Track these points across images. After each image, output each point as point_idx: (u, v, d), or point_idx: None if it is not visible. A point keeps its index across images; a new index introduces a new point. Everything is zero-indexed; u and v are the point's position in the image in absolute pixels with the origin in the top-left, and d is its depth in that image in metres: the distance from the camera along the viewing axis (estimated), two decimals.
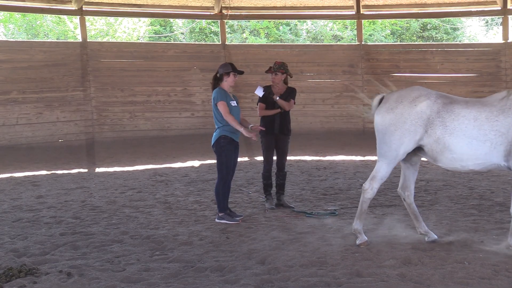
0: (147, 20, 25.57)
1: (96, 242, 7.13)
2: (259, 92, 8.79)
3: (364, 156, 13.89)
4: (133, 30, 25.59)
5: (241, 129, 7.95)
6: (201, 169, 12.46)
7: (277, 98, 8.81)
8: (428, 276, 5.85)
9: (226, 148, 8.05)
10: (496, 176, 11.35)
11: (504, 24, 15.08)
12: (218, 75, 8.20)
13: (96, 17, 23.95)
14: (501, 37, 15.17)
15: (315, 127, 16.45)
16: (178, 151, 14.57)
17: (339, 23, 27.22)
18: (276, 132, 8.89)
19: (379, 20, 25.30)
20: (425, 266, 6.17)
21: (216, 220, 8.13)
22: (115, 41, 23.62)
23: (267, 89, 8.85)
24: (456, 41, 27.15)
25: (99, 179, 11.50)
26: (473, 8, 15.52)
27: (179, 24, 27.36)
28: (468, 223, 7.89)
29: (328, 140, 15.67)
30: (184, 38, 27.06)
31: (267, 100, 8.86)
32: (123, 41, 23.81)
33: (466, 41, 27.70)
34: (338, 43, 25.85)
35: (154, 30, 26.81)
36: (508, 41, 14.92)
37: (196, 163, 13.22)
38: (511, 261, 6.29)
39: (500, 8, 14.72)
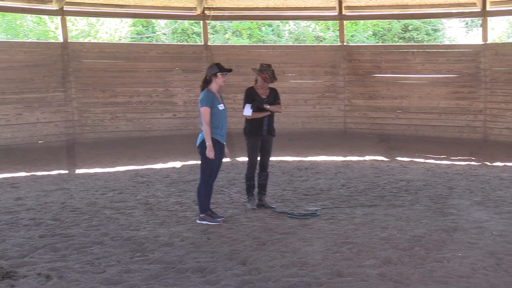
0: (129, 20, 25.46)
1: (76, 244, 7.08)
2: (248, 112, 8.77)
3: (345, 156, 13.94)
4: (115, 31, 25.45)
5: (208, 144, 7.88)
6: (182, 170, 12.43)
7: (268, 106, 8.82)
8: (407, 275, 5.90)
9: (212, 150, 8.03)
10: (474, 175, 11.46)
11: (484, 26, 15.21)
12: (207, 77, 8.16)
13: (77, 17, 23.78)
14: (481, 38, 15.28)
15: (297, 127, 16.49)
16: (160, 152, 14.52)
17: (321, 24, 27.29)
18: (265, 134, 8.91)
19: (361, 21, 25.40)
20: (405, 266, 6.22)
21: (197, 221, 8.12)
22: (96, 41, 23.49)
23: (254, 105, 8.79)
24: (437, 42, 27.34)
25: (80, 180, 11.43)
26: (453, 10, 15.62)
27: (162, 25, 27.28)
28: (448, 222, 7.96)
29: (309, 140, 15.71)
30: (166, 38, 26.98)
31: (254, 102, 8.84)
32: (105, 41, 23.67)
33: (447, 42, 27.90)
34: (320, 44, 25.93)
35: (136, 30, 26.71)
36: (487, 42, 15.05)
37: (177, 164, 13.19)
38: (488, 259, 6.36)
39: (479, 10, 14.83)
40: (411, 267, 6.15)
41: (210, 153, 7.88)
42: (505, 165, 12.60)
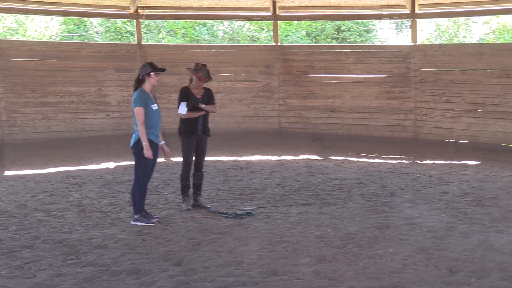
0: (60, 18, 24.87)
1: (4, 249, 6.87)
2: (183, 110, 8.73)
3: (280, 156, 14.05)
4: (45, 29, 24.82)
5: (145, 144, 7.82)
6: (116, 171, 12.25)
7: (203, 106, 8.80)
8: (341, 273, 5.99)
9: None
10: (405, 173, 11.75)
11: (413, 27, 15.59)
12: (140, 77, 8.06)
13: (5, 14, 23.09)
14: (410, 39, 15.66)
15: (231, 127, 16.49)
16: (93, 152, 14.26)
17: (255, 24, 27.39)
18: (199, 133, 8.88)
19: (295, 21, 25.63)
20: (339, 263, 6.32)
21: (132, 223, 8.02)
22: (26, 39, 22.86)
23: (189, 104, 8.76)
24: (368, 43, 27.86)
25: (9, 182, 11.09)
26: (384, 11, 15.95)
27: (94, 24, 26.78)
28: (380, 219, 8.13)
29: (244, 140, 15.75)
30: (99, 37, 26.51)
31: (189, 101, 8.80)
32: (35, 39, 23.07)
33: (378, 43, 28.48)
34: (254, 44, 26.02)
35: (68, 29, 26.11)
36: (417, 43, 15.43)
37: (111, 164, 12.99)
38: (418, 255, 6.53)
39: (409, 12, 15.19)
40: (345, 265, 6.26)
41: (147, 152, 7.81)
42: (434, 163, 12.97)
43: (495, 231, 7.50)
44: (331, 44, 25.99)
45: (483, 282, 5.71)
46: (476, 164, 12.69)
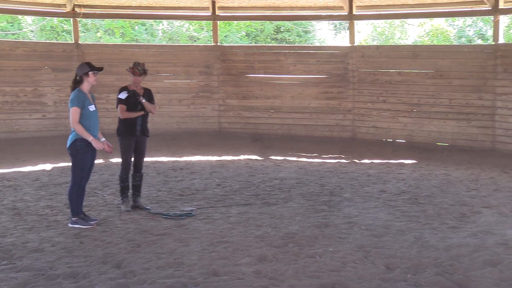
0: None
1: None
2: (123, 96, 8.65)
3: (220, 156, 14.03)
4: None
5: (90, 139, 7.71)
6: (53, 173, 11.98)
7: (144, 100, 8.72)
8: (282, 272, 6.03)
9: (83, 151, 7.79)
10: (344, 173, 11.92)
11: (351, 29, 15.84)
12: (77, 77, 7.90)
13: None
14: (348, 40, 15.92)
15: (171, 127, 16.38)
16: (29, 154, 13.89)
17: (195, 24, 27.30)
18: (138, 134, 8.79)
19: (234, 21, 25.68)
20: (279, 262, 6.35)
21: (69, 225, 7.86)
22: None
23: (130, 91, 8.69)
24: (307, 44, 28.16)
25: None
26: (323, 13, 16.14)
27: (29, 22, 26.13)
28: (320, 218, 8.23)
29: (184, 140, 15.67)
30: (34, 36, 25.89)
31: (129, 101, 8.72)
32: None
33: (317, 44, 28.82)
34: (194, 44, 25.92)
35: (1, 27, 25.41)
36: (354, 44, 15.69)
37: (48, 166, 12.69)
38: (357, 253, 6.64)
39: (346, 14, 15.43)
40: (285, 264, 6.30)
41: (98, 144, 7.70)
42: (372, 162, 13.21)
43: (430, 228, 7.70)
44: (270, 44, 26.13)
45: (419, 278, 5.85)
46: (412, 163, 13.00)
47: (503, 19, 14.55)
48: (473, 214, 8.45)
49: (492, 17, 14.22)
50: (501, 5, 13.62)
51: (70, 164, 7.96)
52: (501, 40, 14.02)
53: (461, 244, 6.92)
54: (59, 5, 16.00)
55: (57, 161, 13.02)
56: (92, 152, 7.90)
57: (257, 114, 16.34)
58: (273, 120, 16.25)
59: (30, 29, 25.72)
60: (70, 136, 7.85)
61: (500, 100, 13.64)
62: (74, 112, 7.70)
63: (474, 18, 24.79)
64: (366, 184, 10.72)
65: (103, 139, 7.99)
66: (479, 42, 25.26)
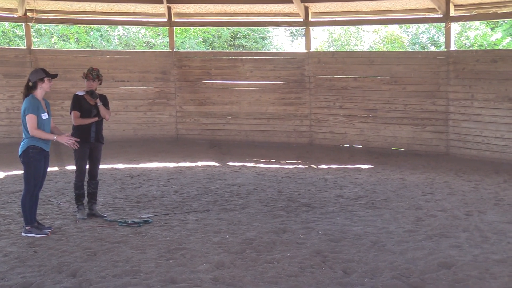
0: None
1: None
2: (80, 92, 8.64)
3: (178, 162, 13.93)
4: None
5: (54, 138, 7.64)
6: (6, 181, 11.72)
7: (100, 103, 8.63)
8: (240, 278, 6.02)
9: (35, 159, 7.65)
10: (302, 178, 11.98)
11: (307, 35, 15.96)
12: (30, 83, 7.75)
13: None
14: (304, 47, 16.02)
15: (128, 134, 16.23)
16: None
17: (151, 30, 27.15)
18: (93, 141, 8.69)
19: (191, 27, 25.61)
20: (237, 268, 6.34)
21: (23, 234, 7.69)
22: None
23: (88, 90, 8.62)
24: (264, 50, 28.28)
25: None
26: (279, 19, 16.23)
27: None
28: (277, 224, 8.24)
29: (141, 147, 15.53)
30: None
31: (82, 108, 8.61)
32: None
33: (274, 50, 28.97)
34: (150, 50, 25.76)
35: None
36: (311, 50, 15.81)
37: (0, 174, 12.42)
38: (315, 258, 6.67)
39: (302, 20, 15.54)
40: (243, 270, 6.28)
41: (64, 139, 7.68)
42: (329, 167, 13.30)
43: (387, 232, 7.78)
44: (227, 50, 26.15)
45: (376, 282, 5.91)
46: (368, 168, 13.13)
47: (454, 26, 14.84)
48: (428, 217, 8.58)
49: (443, 24, 14.49)
50: (452, 13, 13.90)
51: (23, 172, 7.80)
52: (453, 47, 14.31)
53: (416, 248, 7.02)
54: (11, 10, 15.68)
55: (10, 169, 12.75)
56: (45, 159, 7.78)
57: (214, 120, 16.31)
58: (231, 126, 16.25)
59: None
60: (22, 143, 7.70)
61: (453, 105, 13.92)
62: (30, 120, 7.57)
63: (427, 25, 25.26)
64: (324, 189, 10.79)
65: (66, 134, 7.94)
66: (432, 48, 25.76)
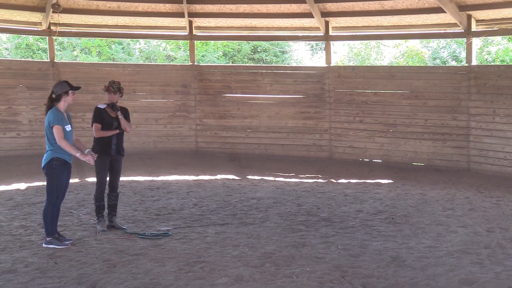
0: None
1: None
2: (102, 105, 8.74)
3: (197, 175, 13.98)
4: None
5: (77, 154, 7.73)
6: (27, 192, 11.83)
7: (121, 116, 8.70)
8: None
9: (58, 170, 7.74)
10: (321, 192, 11.94)
11: (327, 49, 15.97)
12: (54, 96, 7.85)
13: None
14: (325, 61, 16.02)
15: (148, 147, 16.31)
16: (2, 173, 13.71)
17: (172, 43, 27.34)
18: (113, 154, 8.74)
19: (212, 41, 25.75)
20: (256, 282, 6.32)
21: (44, 245, 7.76)
22: None
23: (110, 103, 8.70)
24: (284, 64, 28.32)
25: None
26: (300, 33, 16.28)
27: (3, 39, 25.96)
28: (297, 238, 8.21)
29: (161, 160, 15.59)
30: (9, 54, 25.71)
31: (103, 120, 8.69)
32: None
33: (294, 64, 29.00)
34: (171, 63, 25.93)
35: None
36: (331, 65, 15.81)
37: (22, 185, 12.53)
38: (334, 272, 6.63)
39: (323, 34, 15.57)
40: (262, 284, 6.27)
41: (85, 157, 7.75)
42: (349, 182, 13.25)
43: (407, 248, 7.73)
44: (247, 64, 26.23)
45: None
46: (388, 183, 13.07)
47: (476, 41, 14.76)
48: (449, 233, 8.50)
49: (465, 39, 14.42)
50: (474, 28, 13.84)
51: (45, 183, 7.88)
52: (474, 62, 14.22)
53: (437, 264, 6.96)
54: (35, 23, 15.90)
55: (31, 181, 12.87)
56: (67, 171, 7.86)
57: (234, 134, 16.34)
58: (250, 140, 16.26)
59: (4, 47, 25.53)
60: (46, 155, 7.78)
61: (474, 120, 13.81)
62: (57, 131, 7.67)
63: (448, 40, 25.17)
64: (343, 204, 10.75)
65: (87, 150, 7.98)
66: (453, 63, 25.64)
